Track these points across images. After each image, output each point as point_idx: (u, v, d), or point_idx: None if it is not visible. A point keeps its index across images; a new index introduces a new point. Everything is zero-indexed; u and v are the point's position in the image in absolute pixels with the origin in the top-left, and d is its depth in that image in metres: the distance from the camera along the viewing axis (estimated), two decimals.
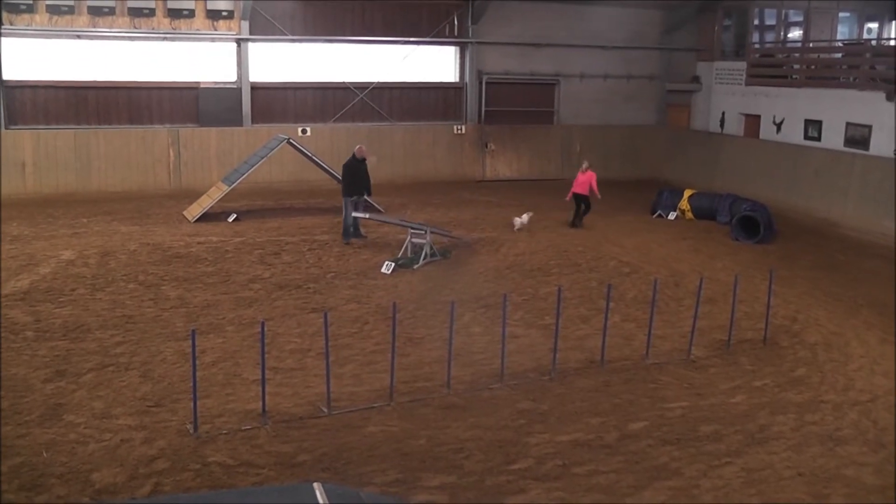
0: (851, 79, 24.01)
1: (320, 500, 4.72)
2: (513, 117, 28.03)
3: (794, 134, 25.29)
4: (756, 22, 28.54)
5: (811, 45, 26.70)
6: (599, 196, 20.22)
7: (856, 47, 26.09)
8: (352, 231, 18.34)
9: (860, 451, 9.65)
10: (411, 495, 8.06)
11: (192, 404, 9.26)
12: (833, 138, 23.80)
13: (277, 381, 10.61)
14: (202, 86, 24.48)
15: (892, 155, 21.64)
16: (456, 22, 26.85)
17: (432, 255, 16.74)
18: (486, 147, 27.52)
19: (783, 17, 27.91)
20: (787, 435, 9.95)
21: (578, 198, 20.54)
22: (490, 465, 8.85)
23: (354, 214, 17.87)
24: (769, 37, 28.66)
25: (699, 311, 12.71)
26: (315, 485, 4.93)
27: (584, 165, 20.60)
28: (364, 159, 18.51)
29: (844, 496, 8.62)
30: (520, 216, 19.86)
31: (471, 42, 27.01)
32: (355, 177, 18.25)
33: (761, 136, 26.72)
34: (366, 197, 18.43)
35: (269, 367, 10.48)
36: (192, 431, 9.21)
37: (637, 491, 8.53)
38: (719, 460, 9.27)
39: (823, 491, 8.73)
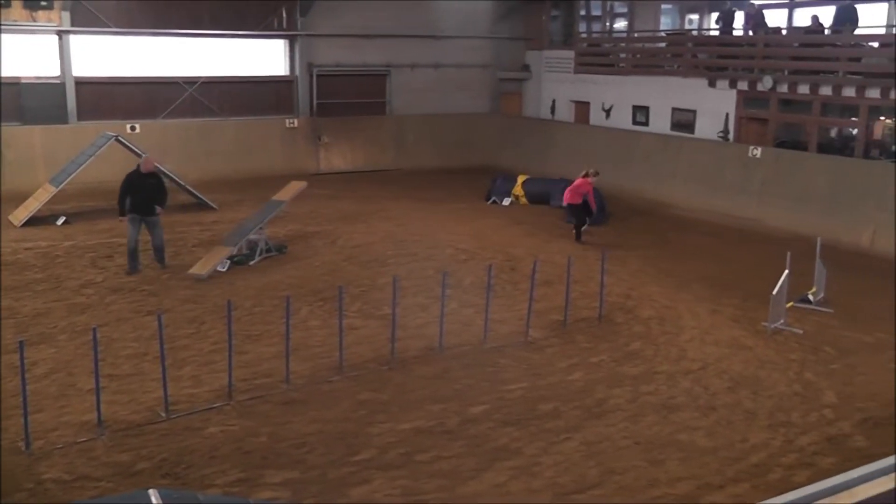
0: (675, 67, 25.06)
1: None
2: (345, 109, 28.01)
3: (622, 119, 26.33)
4: (583, 13, 29.38)
5: (636, 34, 27.66)
6: (594, 209, 19.13)
7: (678, 37, 27.21)
8: (138, 257, 15.66)
9: (692, 416, 10.15)
10: (254, 494, 8.02)
11: (23, 420, 8.92)
12: (660, 123, 24.95)
13: (114, 389, 10.34)
14: (23, 81, 23.41)
15: (717, 137, 22.78)
16: (284, 14, 26.63)
17: (268, 250, 16.62)
18: (320, 140, 27.43)
19: (609, 8, 28.80)
20: (623, 407, 10.36)
21: (573, 209, 18.86)
22: (332, 457, 8.89)
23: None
24: (596, 27, 29.52)
25: (535, 293, 13.06)
26: (150, 491, 4.89)
27: (594, 175, 18.80)
28: (152, 173, 15.87)
29: (679, 460, 9.04)
30: None
31: (300, 34, 26.87)
32: (137, 192, 15.52)
33: (591, 122, 27.67)
34: (158, 211, 15.84)
35: (105, 374, 10.23)
36: (24, 449, 8.86)
37: (479, 473, 8.72)
38: (559, 437, 9.55)
39: (659, 457, 9.13)
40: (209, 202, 20.74)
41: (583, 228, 18.83)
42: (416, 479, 8.55)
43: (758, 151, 21.23)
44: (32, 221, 18.93)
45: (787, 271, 13.09)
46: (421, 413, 10.06)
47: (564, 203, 18.96)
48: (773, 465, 8.99)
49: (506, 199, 22.99)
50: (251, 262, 16.09)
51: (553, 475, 8.74)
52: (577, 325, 13.22)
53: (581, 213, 18.68)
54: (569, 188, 18.60)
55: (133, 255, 15.52)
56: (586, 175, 18.52)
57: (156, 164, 16.32)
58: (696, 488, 8.54)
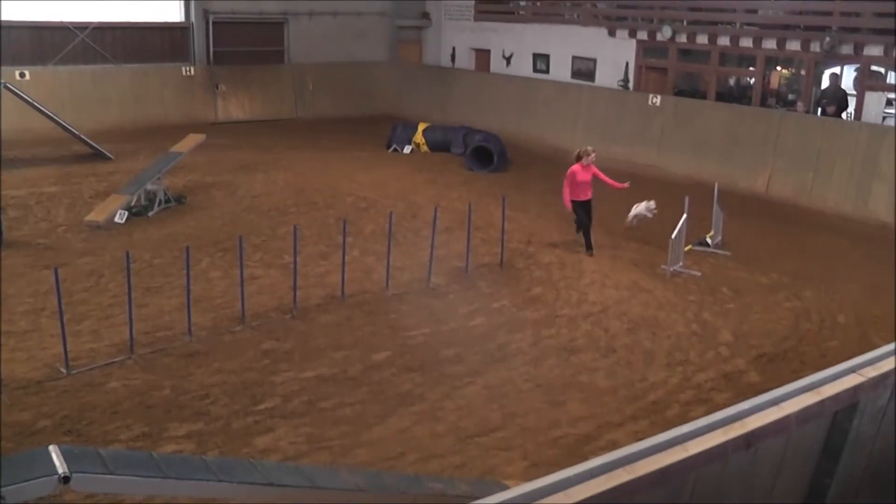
0: (576, 15, 25.20)
1: (56, 463, 4.71)
2: (243, 57, 27.49)
3: (523, 67, 26.46)
4: None
5: None
6: (620, 185, 14.59)
7: None
8: None
9: (593, 357, 10.46)
10: (158, 447, 8.03)
11: None
12: (560, 71, 25.17)
13: (11, 346, 10.16)
14: None
15: (617, 86, 23.10)
16: None
17: (167, 201, 16.40)
18: (217, 89, 26.92)
19: None
20: (525, 351, 10.61)
21: (580, 206, 14.35)
22: (236, 408, 8.95)
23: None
24: None
25: (436, 240, 13.18)
26: (51, 447, 4.90)
27: (594, 154, 14.29)
28: None
29: (580, 400, 9.33)
30: (639, 205, 14.88)
31: None
32: None
33: (492, 70, 27.73)
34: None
35: (1, 331, 10.07)
36: None
37: (383, 419, 8.87)
38: (461, 381, 9.75)
39: (560, 398, 9.40)
40: (105, 152, 20.28)
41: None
42: (321, 427, 8.66)
43: (657, 100, 21.62)
44: None
45: (685, 215, 13.48)
46: (324, 361, 10.15)
47: (567, 202, 14.28)
48: (671, 402, 9.36)
49: (406, 146, 23.01)
50: (150, 214, 15.87)
51: (456, 419, 8.94)
52: (478, 272, 13.41)
53: (589, 213, 14.43)
54: (566, 181, 14.16)
55: None
56: (579, 157, 14.18)
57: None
58: (596, 427, 8.84)
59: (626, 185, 14.67)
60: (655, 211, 14.66)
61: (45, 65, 24.48)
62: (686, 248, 14.11)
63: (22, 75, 23.46)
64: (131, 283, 10.25)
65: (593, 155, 14.14)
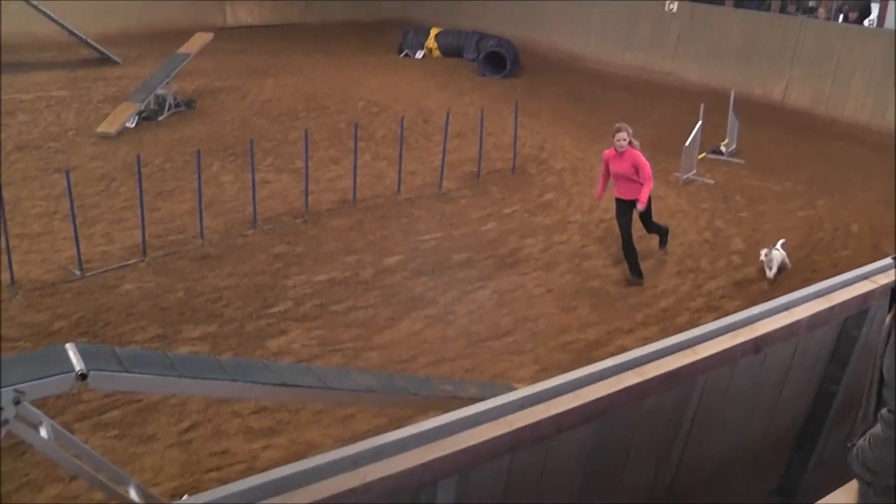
0: None
1: (73, 360, 4.76)
2: None
3: None
4: None
5: None
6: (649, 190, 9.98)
7: None
8: None
9: (604, 264, 10.53)
10: (173, 349, 8.13)
11: None
12: None
13: (24, 249, 10.23)
14: None
15: None
16: None
17: (176, 105, 16.30)
18: None
19: None
20: (536, 256, 10.67)
21: (620, 208, 10.07)
22: (249, 310, 9.04)
23: None
24: None
25: (448, 145, 13.16)
26: (68, 346, 4.95)
27: (621, 136, 9.78)
28: None
29: (590, 306, 9.43)
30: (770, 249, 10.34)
31: None
32: None
33: None
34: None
35: (14, 234, 10.12)
36: None
37: (394, 322, 8.97)
38: (473, 286, 9.84)
39: (571, 304, 9.50)
40: (113, 56, 20.07)
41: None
42: (333, 329, 8.76)
43: (674, 6, 21.21)
44: None
45: (699, 123, 13.36)
46: (336, 265, 10.21)
47: (598, 192, 10.52)
48: (682, 310, 9.42)
49: (418, 52, 22.76)
50: (160, 118, 15.78)
51: (467, 323, 9.03)
52: (490, 177, 13.38)
53: (628, 221, 10.06)
54: (611, 173, 10.03)
55: None
56: (623, 146, 9.79)
57: None
58: (606, 333, 8.94)
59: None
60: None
61: None
62: (700, 156, 14.03)
63: None
64: (143, 187, 10.27)
65: (622, 134, 9.77)
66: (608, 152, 10.01)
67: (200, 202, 10.74)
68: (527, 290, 9.78)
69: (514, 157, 13.82)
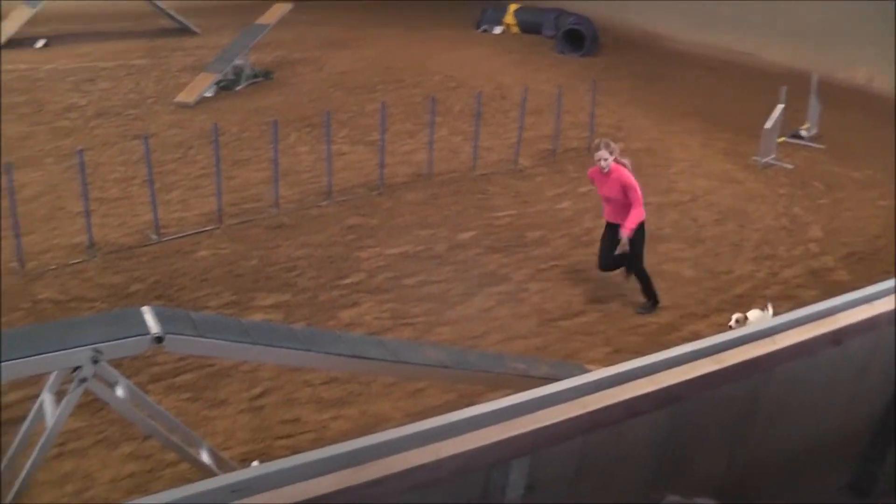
0: None
1: (150, 323, 4.79)
2: None
3: None
4: None
5: None
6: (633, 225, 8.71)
7: None
8: None
9: (679, 247, 10.34)
10: (246, 315, 8.17)
11: (15, 241, 8.97)
12: None
13: (103, 212, 10.38)
14: None
15: None
16: None
17: (254, 76, 16.38)
18: None
19: None
20: None
21: (614, 232, 8.76)
22: (322, 281, 9.04)
23: None
24: None
25: (524, 122, 13.04)
26: (144, 309, 4.99)
27: (600, 155, 8.53)
28: None
29: (664, 289, 9.16)
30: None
31: None
32: None
33: None
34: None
35: (93, 198, 10.22)
36: (19, 269, 8.92)
37: (467, 298, 8.91)
38: (546, 263, 9.75)
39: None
40: (191, 26, 20.26)
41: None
42: (405, 303, 8.73)
43: None
44: (11, 44, 18.45)
45: (780, 105, 13.04)
46: (409, 238, 10.18)
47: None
48: (756, 297, 9.17)
49: (497, 27, 22.57)
50: (237, 88, 15.87)
51: (540, 301, 8.94)
52: (566, 155, 13.23)
53: (612, 245, 8.79)
54: (601, 193, 8.99)
55: None
56: (608, 163, 8.60)
57: None
58: (679, 317, 8.76)
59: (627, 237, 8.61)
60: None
61: None
62: (779, 140, 13.70)
63: None
64: (219, 155, 10.34)
65: (602, 153, 8.49)
66: (593, 171, 8.85)
67: (276, 171, 10.77)
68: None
69: (591, 135, 13.64)
